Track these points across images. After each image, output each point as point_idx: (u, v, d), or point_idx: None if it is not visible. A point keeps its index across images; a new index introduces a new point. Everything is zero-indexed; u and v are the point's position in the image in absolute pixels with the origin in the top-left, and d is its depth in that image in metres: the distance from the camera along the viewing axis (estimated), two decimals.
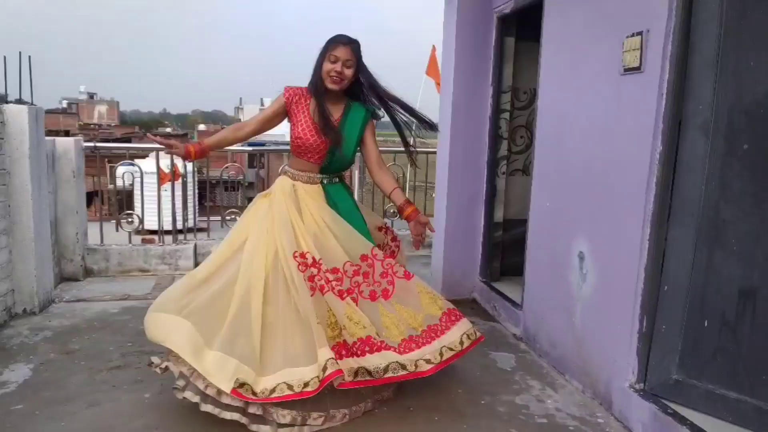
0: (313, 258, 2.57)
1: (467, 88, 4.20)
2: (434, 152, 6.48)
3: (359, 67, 2.70)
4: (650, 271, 2.50)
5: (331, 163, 2.73)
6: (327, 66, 2.63)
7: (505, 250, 4.41)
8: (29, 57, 3.67)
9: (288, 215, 2.63)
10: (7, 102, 3.60)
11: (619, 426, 2.60)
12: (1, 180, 3.51)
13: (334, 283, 2.57)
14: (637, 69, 2.53)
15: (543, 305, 3.37)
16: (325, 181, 2.76)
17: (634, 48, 2.53)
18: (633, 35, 2.53)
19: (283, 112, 2.75)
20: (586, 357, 2.92)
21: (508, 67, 4.17)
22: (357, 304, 2.59)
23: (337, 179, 2.81)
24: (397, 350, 2.53)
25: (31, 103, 3.70)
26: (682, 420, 2.33)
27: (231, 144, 2.87)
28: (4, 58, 3.51)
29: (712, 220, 2.31)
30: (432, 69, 10.16)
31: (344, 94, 2.75)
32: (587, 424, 2.61)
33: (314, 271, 2.55)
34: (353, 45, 2.65)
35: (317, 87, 2.68)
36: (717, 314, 2.33)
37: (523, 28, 4.11)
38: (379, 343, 2.52)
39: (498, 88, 4.18)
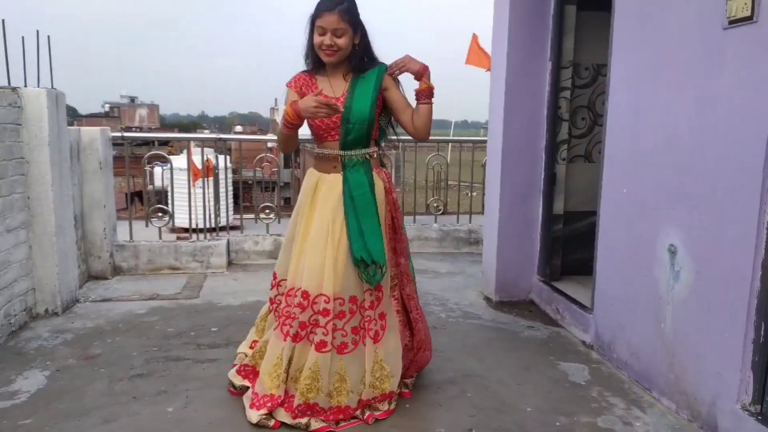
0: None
1: (522, 64, 3.76)
2: (477, 143, 6.08)
3: (356, 30, 2.32)
4: None
5: (347, 132, 2.34)
6: (316, 39, 2.30)
7: (565, 246, 3.95)
8: (48, 38, 3.40)
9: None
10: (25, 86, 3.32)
11: None
12: (19, 169, 3.25)
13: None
14: (749, 19, 2.06)
15: (620, 308, 2.91)
16: (347, 161, 2.36)
17: None
18: None
19: None
20: (679, 371, 2.45)
21: (568, 39, 3.71)
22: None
23: (361, 159, 2.37)
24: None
25: (51, 87, 3.41)
26: None
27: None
28: (22, 38, 3.25)
29: None
30: (473, 57, 9.71)
31: (351, 65, 2.38)
32: None
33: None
34: (339, 8, 2.25)
35: (316, 62, 2.38)
36: None
37: None
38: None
39: (557, 64, 3.73)
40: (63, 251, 3.53)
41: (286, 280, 2.42)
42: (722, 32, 2.20)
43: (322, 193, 2.38)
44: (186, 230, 5.73)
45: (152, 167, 8.03)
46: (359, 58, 2.36)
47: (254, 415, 2.26)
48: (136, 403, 2.44)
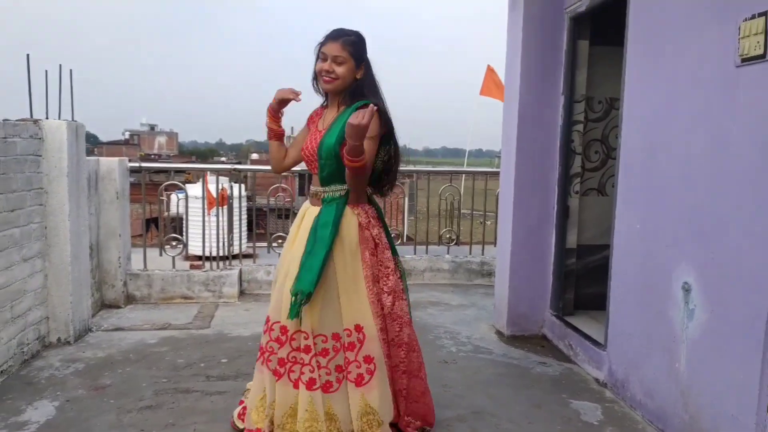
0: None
1: (535, 97, 3.78)
2: (491, 174, 6.08)
3: (360, 64, 2.31)
4: None
5: (322, 168, 2.31)
6: (318, 65, 2.32)
7: (579, 280, 3.92)
8: (70, 71, 3.51)
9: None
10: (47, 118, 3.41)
11: None
12: (37, 200, 3.32)
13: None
14: (761, 57, 2.06)
15: (634, 346, 2.86)
16: (324, 195, 2.34)
17: (755, 32, 2.08)
18: (753, 17, 2.08)
19: (306, 135, 2.46)
20: (694, 412, 2.39)
21: (581, 73, 3.74)
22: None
23: (338, 194, 2.32)
24: None
25: (72, 119, 3.50)
26: None
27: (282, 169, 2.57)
28: (45, 72, 3.37)
29: None
30: (487, 88, 9.81)
31: (347, 97, 2.34)
32: None
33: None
34: (344, 39, 2.27)
35: (318, 89, 2.41)
36: None
37: (597, 31, 3.69)
38: None
39: (570, 97, 3.75)
40: (78, 280, 3.57)
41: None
42: (735, 70, 2.20)
43: (305, 223, 2.36)
44: (199, 258, 5.78)
45: (168, 195, 8.16)
46: (356, 92, 2.32)
47: None
48: None
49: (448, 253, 5.64)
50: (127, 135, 53.66)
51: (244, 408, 2.46)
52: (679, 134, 2.54)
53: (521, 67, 3.76)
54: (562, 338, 3.69)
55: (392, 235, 2.55)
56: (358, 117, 2.06)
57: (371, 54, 2.39)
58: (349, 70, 2.29)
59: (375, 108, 2.12)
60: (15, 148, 3.09)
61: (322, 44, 2.31)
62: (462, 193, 6.35)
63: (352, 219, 2.32)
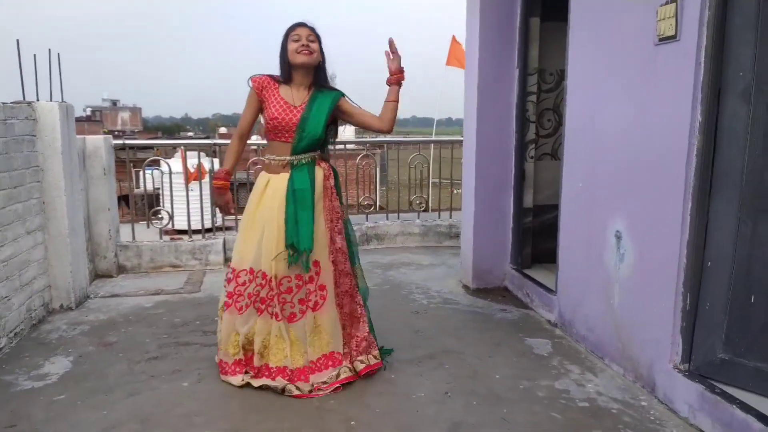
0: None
1: (492, 70, 4.14)
2: (457, 142, 6.44)
3: (322, 51, 2.76)
4: (692, 246, 2.43)
5: (300, 140, 2.72)
6: (292, 45, 2.70)
7: (536, 237, 4.35)
8: (58, 55, 3.71)
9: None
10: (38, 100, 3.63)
11: (663, 408, 2.53)
12: (35, 177, 3.57)
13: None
14: (673, 38, 2.45)
15: (579, 289, 3.30)
16: (295, 162, 2.74)
17: (668, 16, 2.46)
18: (667, 3, 2.46)
19: (258, 102, 2.78)
20: (626, 340, 2.85)
21: (533, 48, 4.10)
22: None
23: (307, 159, 2.75)
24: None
25: (62, 100, 3.73)
26: (731, 399, 2.25)
27: (242, 151, 2.97)
28: (34, 56, 3.55)
29: (757, 190, 2.23)
30: (452, 58, 10.12)
31: (313, 81, 2.77)
32: (631, 408, 2.55)
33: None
34: (311, 27, 2.74)
35: (288, 69, 2.73)
36: (764, 288, 2.25)
37: (547, 8, 4.04)
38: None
39: (524, 71, 4.12)
40: (75, 251, 3.85)
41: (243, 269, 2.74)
42: (654, 47, 2.59)
43: (271, 190, 2.73)
44: (179, 232, 6.04)
45: (136, 172, 8.28)
46: (318, 76, 2.77)
47: (236, 380, 2.70)
48: (155, 380, 2.79)
49: (418, 218, 6.03)
50: (88, 111, 52.25)
51: (221, 361, 2.83)
52: (612, 103, 2.94)
53: (479, 43, 4.10)
54: (521, 288, 4.13)
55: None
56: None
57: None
58: (319, 50, 2.74)
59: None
60: (14, 129, 3.33)
61: (291, 31, 2.71)
62: (431, 162, 6.70)
63: (319, 173, 2.78)
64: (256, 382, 2.70)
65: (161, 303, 3.98)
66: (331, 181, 2.83)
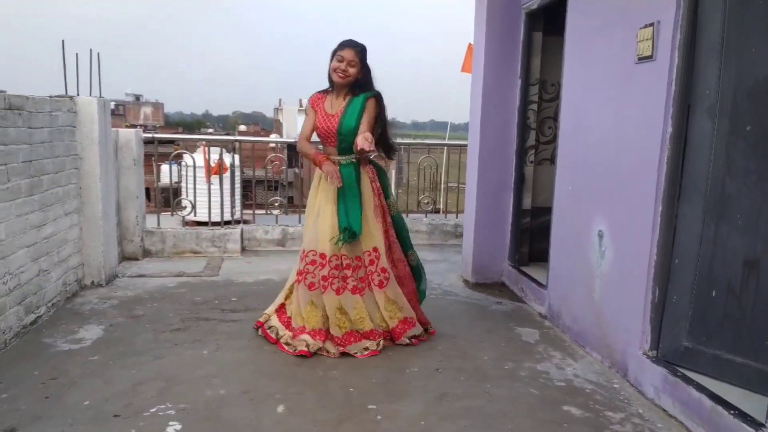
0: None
1: (497, 80, 4.43)
2: (460, 146, 6.73)
3: (363, 67, 3.18)
4: (662, 245, 2.70)
5: (341, 142, 3.17)
6: (334, 64, 3.16)
7: (533, 237, 4.62)
8: (98, 54, 4.08)
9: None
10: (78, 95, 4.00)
11: (632, 390, 2.80)
12: (73, 164, 3.93)
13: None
14: (650, 58, 2.73)
15: (566, 284, 3.58)
16: (342, 162, 3.20)
17: (647, 38, 2.74)
18: (646, 26, 2.74)
19: (314, 114, 3.26)
20: (604, 329, 3.12)
21: (535, 60, 4.39)
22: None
23: (353, 160, 3.19)
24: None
25: (100, 96, 4.10)
26: (689, 381, 2.52)
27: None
28: (76, 55, 3.92)
29: (719, 196, 2.50)
30: (467, 65, 10.39)
31: (351, 89, 3.20)
32: (603, 388, 2.82)
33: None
34: (357, 48, 3.17)
35: (330, 83, 3.23)
36: (723, 284, 2.52)
37: (550, 24, 4.32)
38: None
39: (526, 81, 4.40)
40: (107, 233, 4.21)
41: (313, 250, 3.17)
42: (634, 66, 2.87)
43: (325, 183, 3.20)
44: (199, 224, 6.40)
45: (158, 165, 8.67)
46: (358, 86, 3.21)
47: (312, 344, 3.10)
48: (178, 347, 3.12)
49: (425, 217, 6.32)
50: (112, 105, 53.21)
51: (288, 320, 3.28)
52: (595, 113, 3.22)
53: (485, 54, 4.40)
54: (516, 283, 4.41)
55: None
56: (364, 144, 2.92)
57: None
58: (357, 71, 3.17)
59: (370, 149, 3.00)
60: (57, 120, 3.69)
61: (339, 49, 3.17)
62: (445, 164, 6.99)
63: (365, 176, 3.25)
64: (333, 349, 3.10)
65: (183, 284, 4.32)
66: (377, 183, 3.29)
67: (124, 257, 4.94)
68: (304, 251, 3.21)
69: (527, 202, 4.57)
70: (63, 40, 3.87)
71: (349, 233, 3.09)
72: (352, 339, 3.13)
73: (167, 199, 7.11)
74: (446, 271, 5.00)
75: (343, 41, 3.20)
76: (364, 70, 3.20)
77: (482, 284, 4.61)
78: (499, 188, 4.60)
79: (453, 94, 14.26)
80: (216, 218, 5.53)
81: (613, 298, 3.06)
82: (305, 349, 3.04)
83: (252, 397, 2.61)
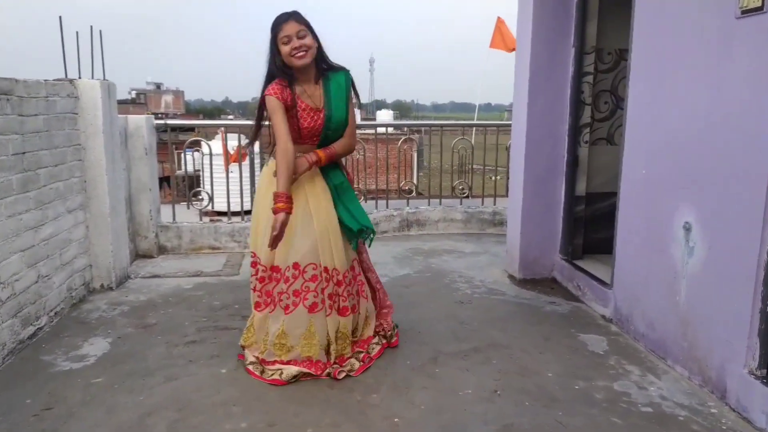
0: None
1: (546, 49, 3.90)
2: (502, 126, 6.20)
3: (314, 34, 2.57)
4: None
5: (326, 138, 2.65)
6: (284, 49, 2.51)
7: (587, 226, 4.11)
8: (100, 32, 3.65)
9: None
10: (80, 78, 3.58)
11: (735, 416, 2.32)
12: (76, 155, 3.53)
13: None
14: (759, 9, 2.20)
15: (638, 283, 3.08)
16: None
17: None
18: None
19: (285, 110, 2.56)
20: (692, 339, 2.63)
21: (591, 25, 3.83)
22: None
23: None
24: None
25: (104, 78, 3.68)
26: None
27: None
28: (77, 33, 3.51)
29: None
30: (497, 40, 9.79)
31: (317, 69, 2.62)
32: (699, 415, 2.34)
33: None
34: (295, 16, 2.53)
35: (289, 73, 2.55)
36: None
37: None
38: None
39: (580, 49, 3.86)
40: (116, 231, 3.82)
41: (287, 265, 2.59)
42: (735, 21, 2.33)
43: (303, 188, 2.60)
44: (218, 213, 6.01)
45: (179, 154, 8.32)
46: (321, 61, 2.61)
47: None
48: (193, 365, 2.72)
49: (461, 204, 5.84)
50: (133, 94, 53.39)
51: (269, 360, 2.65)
52: (683, 85, 2.69)
53: (533, 20, 3.86)
54: (571, 280, 3.92)
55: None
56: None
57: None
58: (312, 39, 2.55)
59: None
60: (55, 106, 3.29)
61: (279, 30, 2.50)
62: (474, 147, 6.50)
63: (340, 171, 2.78)
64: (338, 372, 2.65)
65: (201, 285, 3.92)
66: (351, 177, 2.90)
67: (138, 255, 4.57)
68: (297, 265, 2.56)
69: (581, 188, 4.05)
70: (60, 17, 3.45)
71: (369, 233, 2.72)
72: (346, 358, 2.72)
73: (191, 187, 6.77)
74: (488, 264, 4.53)
75: (279, 16, 2.53)
76: (315, 38, 2.57)
77: (531, 280, 4.13)
78: (549, 172, 4.09)
79: (479, 74, 13.63)
80: (236, 208, 5.12)
81: (705, 303, 2.56)
82: (278, 377, 2.57)
83: (279, 430, 2.19)
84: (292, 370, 2.58)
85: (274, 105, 2.52)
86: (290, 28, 2.50)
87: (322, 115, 2.60)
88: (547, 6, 3.85)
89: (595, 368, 2.74)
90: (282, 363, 2.61)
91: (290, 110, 2.56)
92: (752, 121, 2.25)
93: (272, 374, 2.58)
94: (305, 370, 2.59)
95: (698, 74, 2.57)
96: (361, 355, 2.75)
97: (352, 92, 2.70)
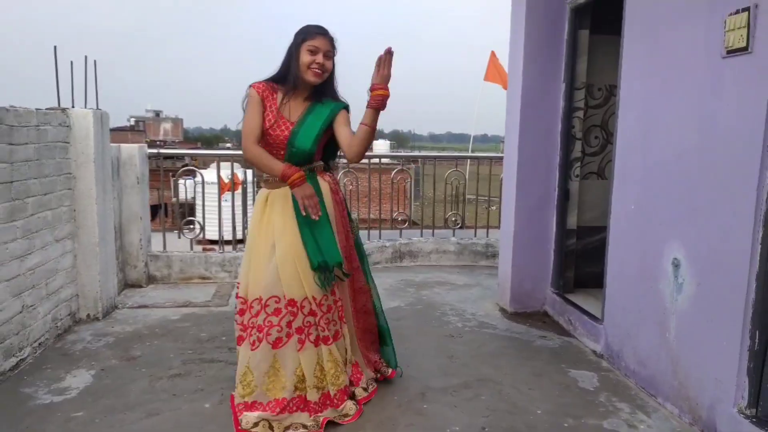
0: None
1: (538, 84, 3.95)
2: (495, 159, 6.24)
3: (334, 62, 2.52)
4: (763, 278, 2.18)
5: (291, 155, 2.48)
6: (306, 58, 2.43)
7: (579, 260, 4.11)
8: (94, 61, 3.69)
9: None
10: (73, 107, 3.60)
11: None
12: (66, 184, 3.52)
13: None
14: (744, 50, 2.23)
15: (629, 319, 3.06)
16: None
17: (739, 26, 2.24)
18: (738, 12, 2.24)
19: (262, 109, 2.49)
20: (683, 377, 2.59)
21: (581, 62, 3.89)
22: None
23: (307, 170, 2.49)
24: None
25: (97, 107, 3.69)
26: None
27: None
28: (71, 63, 3.54)
29: None
30: (491, 73, 9.95)
31: (314, 91, 2.53)
32: None
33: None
34: (330, 36, 2.48)
35: (294, 81, 2.47)
36: None
37: (598, 20, 3.83)
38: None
39: (571, 85, 3.91)
40: (105, 261, 3.79)
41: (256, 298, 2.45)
42: (721, 60, 2.37)
43: (275, 207, 2.50)
44: (212, 242, 5.98)
45: (177, 181, 8.33)
46: (323, 88, 2.52)
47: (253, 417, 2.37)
48: (176, 399, 2.66)
49: (453, 235, 5.83)
50: (132, 121, 53.77)
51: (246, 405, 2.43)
52: (672, 120, 2.71)
53: (524, 56, 3.92)
54: (562, 314, 3.89)
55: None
56: (381, 75, 2.27)
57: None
58: (332, 65, 2.50)
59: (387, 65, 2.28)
60: (46, 135, 3.29)
61: (310, 38, 2.43)
62: (467, 178, 6.52)
63: (324, 185, 2.56)
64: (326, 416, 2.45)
65: (188, 316, 3.88)
66: (340, 195, 2.67)
67: (127, 284, 4.52)
68: (260, 299, 2.41)
69: (572, 221, 4.05)
70: (55, 47, 3.48)
71: (326, 273, 2.40)
72: (329, 402, 2.46)
73: (183, 214, 6.76)
74: (480, 297, 4.50)
75: (312, 26, 2.45)
76: (333, 67, 2.52)
77: (522, 313, 4.10)
78: (541, 205, 4.10)
79: (474, 105, 13.78)
80: (228, 237, 5.10)
81: (694, 341, 2.53)
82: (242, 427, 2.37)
83: None
84: (251, 416, 2.35)
85: (252, 97, 2.47)
86: (322, 43, 2.43)
87: (290, 129, 2.46)
88: (537, 42, 3.92)
89: (585, 406, 2.70)
90: (246, 406, 2.40)
91: (265, 110, 2.48)
92: (739, 158, 2.26)
93: (242, 420, 2.38)
94: (268, 414, 2.35)
95: (687, 111, 2.60)
96: (358, 398, 2.61)
97: (338, 125, 2.52)
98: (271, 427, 2.36)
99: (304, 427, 2.38)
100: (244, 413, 2.38)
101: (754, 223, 2.19)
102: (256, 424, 2.34)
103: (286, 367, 2.40)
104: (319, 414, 2.43)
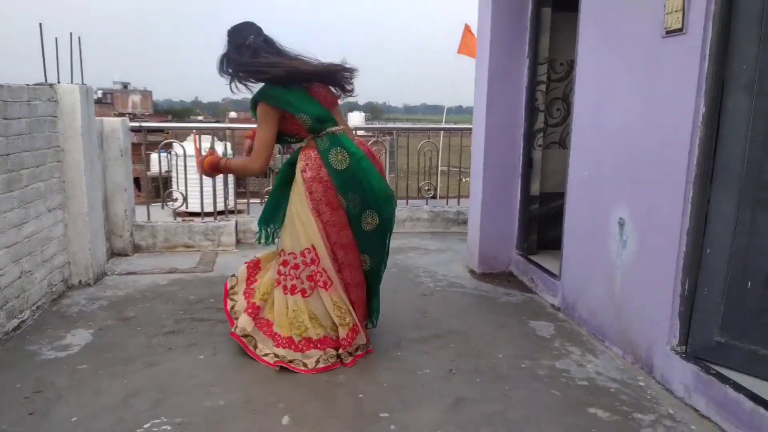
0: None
1: (503, 59, 4.20)
2: (466, 130, 6.50)
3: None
4: (692, 234, 2.51)
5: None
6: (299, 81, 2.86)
7: (541, 224, 4.43)
8: (79, 38, 3.82)
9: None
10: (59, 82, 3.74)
11: (659, 388, 2.63)
12: (55, 156, 3.68)
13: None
14: (680, 31, 2.51)
15: (582, 275, 3.39)
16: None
17: (676, 9, 2.52)
18: None
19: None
20: (626, 323, 2.94)
21: (544, 38, 4.15)
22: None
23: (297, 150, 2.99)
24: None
25: (82, 83, 3.83)
26: (725, 380, 2.35)
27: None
28: (56, 39, 3.67)
29: (756, 181, 2.31)
30: (464, 47, 10.13)
31: None
32: (628, 387, 2.65)
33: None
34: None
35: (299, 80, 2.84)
36: (760, 275, 2.33)
37: None
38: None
39: (534, 60, 4.17)
40: (94, 229, 3.97)
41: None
42: (661, 40, 2.65)
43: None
44: (192, 215, 6.14)
45: (148, 155, 8.39)
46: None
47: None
48: (172, 352, 2.92)
49: (426, 204, 6.12)
50: (99, 94, 52.45)
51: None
52: (618, 94, 3.00)
53: (490, 32, 4.16)
54: (526, 273, 4.22)
55: None
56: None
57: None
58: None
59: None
60: (36, 110, 3.44)
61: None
62: (440, 149, 6.78)
63: (299, 163, 2.85)
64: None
65: (176, 281, 4.10)
66: (308, 173, 2.78)
67: (113, 253, 4.71)
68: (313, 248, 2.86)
69: (536, 188, 4.36)
70: (41, 24, 3.61)
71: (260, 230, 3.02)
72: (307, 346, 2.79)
73: (157, 188, 6.88)
74: (451, 261, 4.81)
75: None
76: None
77: (489, 274, 4.42)
78: (506, 174, 4.39)
79: (449, 77, 13.94)
80: (209, 209, 5.29)
81: (636, 290, 2.87)
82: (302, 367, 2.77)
83: (254, 407, 2.42)
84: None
85: (267, 114, 2.85)
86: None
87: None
88: (503, 19, 4.16)
89: (541, 350, 3.03)
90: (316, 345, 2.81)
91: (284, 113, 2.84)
92: (674, 129, 2.56)
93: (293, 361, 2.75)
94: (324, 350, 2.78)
95: (633, 86, 2.89)
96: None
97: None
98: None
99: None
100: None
101: (685, 185, 2.50)
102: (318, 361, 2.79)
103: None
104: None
